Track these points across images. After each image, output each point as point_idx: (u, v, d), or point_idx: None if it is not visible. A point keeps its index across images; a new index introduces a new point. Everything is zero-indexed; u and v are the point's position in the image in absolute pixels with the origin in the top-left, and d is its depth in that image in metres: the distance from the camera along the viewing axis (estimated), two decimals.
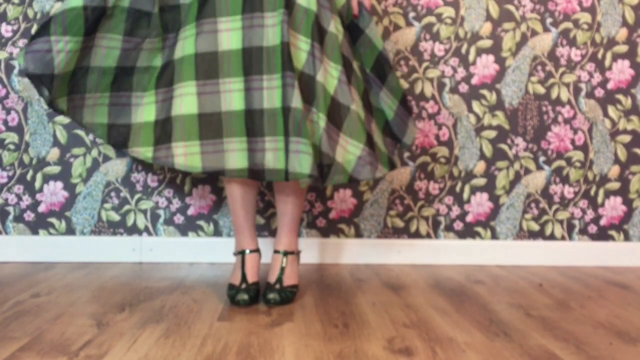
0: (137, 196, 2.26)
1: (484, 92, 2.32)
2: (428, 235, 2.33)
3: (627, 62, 2.35)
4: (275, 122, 1.59)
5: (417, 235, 2.32)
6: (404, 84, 2.30)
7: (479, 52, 2.31)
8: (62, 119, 2.23)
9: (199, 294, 1.78)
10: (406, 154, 2.30)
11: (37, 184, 2.24)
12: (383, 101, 1.79)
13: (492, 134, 2.32)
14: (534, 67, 2.33)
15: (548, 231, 2.34)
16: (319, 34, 1.64)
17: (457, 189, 2.32)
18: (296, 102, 1.56)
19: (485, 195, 2.33)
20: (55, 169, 2.24)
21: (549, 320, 1.56)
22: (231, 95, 1.62)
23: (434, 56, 2.31)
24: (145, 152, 1.63)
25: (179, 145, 1.59)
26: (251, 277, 1.71)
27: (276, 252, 1.76)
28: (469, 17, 2.31)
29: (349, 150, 1.63)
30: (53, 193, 2.24)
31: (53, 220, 2.24)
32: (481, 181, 2.33)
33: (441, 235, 2.33)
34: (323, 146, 1.59)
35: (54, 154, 2.24)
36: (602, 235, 2.36)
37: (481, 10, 2.31)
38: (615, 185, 2.36)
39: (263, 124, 1.60)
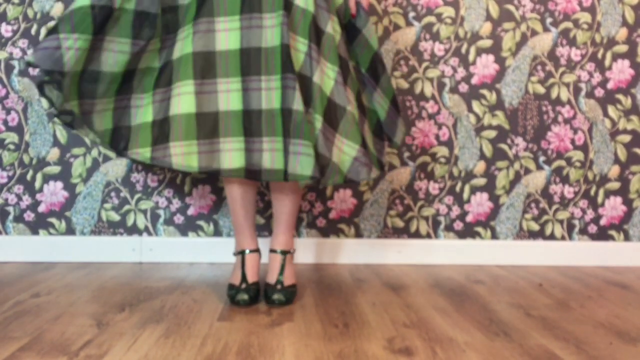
0: (137, 196, 2.26)
1: (484, 92, 2.32)
2: (428, 235, 2.33)
3: (627, 62, 2.35)
4: (273, 123, 1.59)
5: (417, 235, 2.32)
6: (404, 84, 2.30)
7: (479, 52, 2.31)
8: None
9: (199, 294, 1.78)
10: (406, 154, 2.30)
11: (37, 184, 2.24)
12: (376, 101, 1.79)
13: (492, 133, 2.32)
14: (534, 67, 2.33)
15: (548, 231, 2.35)
16: (316, 35, 1.64)
17: (457, 188, 2.32)
18: (297, 104, 1.57)
19: (485, 195, 2.33)
20: (55, 169, 2.24)
21: (549, 320, 1.56)
22: (229, 95, 1.62)
23: (434, 56, 2.31)
24: (144, 152, 1.63)
25: (177, 144, 1.59)
26: (251, 277, 1.71)
27: (273, 251, 1.75)
28: (469, 17, 2.31)
29: (344, 151, 1.63)
30: (53, 193, 2.24)
31: (53, 220, 2.24)
32: (481, 181, 2.33)
33: (441, 235, 2.33)
34: (319, 147, 1.59)
35: (54, 154, 2.24)
36: (602, 235, 2.36)
37: (481, 10, 2.31)
38: (615, 185, 2.36)
39: (261, 124, 1.60)
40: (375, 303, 1.70)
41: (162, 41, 1.68)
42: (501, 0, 2.31)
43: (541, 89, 2.33)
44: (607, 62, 2.34)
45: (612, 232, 2.36)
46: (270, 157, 1.59)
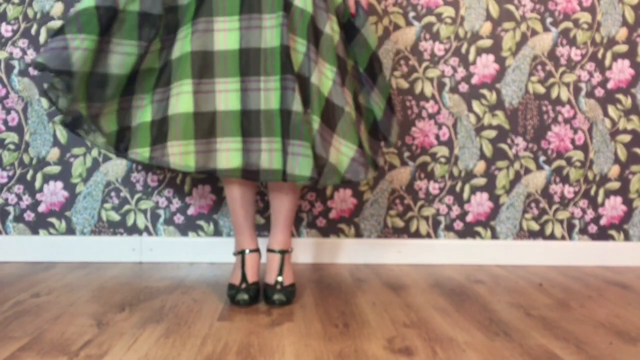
0: (137, 196, 2.26)
1: (484, 91, 2.32)
2: (428, 235, 2.33)
3: (627, 62, 2.35)
4: (272, 123, 1.60)
5: (417, 235, 2.32)
6: (404, 84, 2.30)
7: (479, 51, 2.31)
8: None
9: (199, 294, 1.78)
10: (406, 154, 2.30)
11: (37, 184, 2.24)
12: (373, 101, 1.79)
13: (492, 133, 2.32)
14: (534, 67, 2.33)
15: (548, 231, 2.34)
16: (314, 35, 1.64)
17: (457, 188, 2.32)
18: (296, 105, 1.57)
19: (485, 195, 2.33)
20: (55, 169, 2.24)
21: (549, 320, 1.56)
22: (227, 95, 1.62)
23: (434, 56, 2.31)
24: (142, 152, 1.63)
25: (174, 144, 1.59)
26: (251, 277, 1.71)
27: (271, 251, 1.75)
28: (469, 17, 2.31)
29: (342, 152, 1.63)
30: (53, 193, 2.24)
31: (53, 220, 2.24)
32: (481, 181, 2.33)
33: (441, 235, 2.33)
34: (317, 148, 1.59)
35: (54, 153, 2.24)
36: (602, 235, 2.36)
37: (481, 9, 2.31)
38: (615, 184, 2.36)
39: (259, 124, 1.60)
40: (375, 303, 1.70)
41: (162, 41, 1.68)
42: (501, 0, 2.31)
43: (541, 89, 2.33)
44: (607, 62, 2.34)
45: (612, 232, 2.36)
46: (268, 157, 1.59)
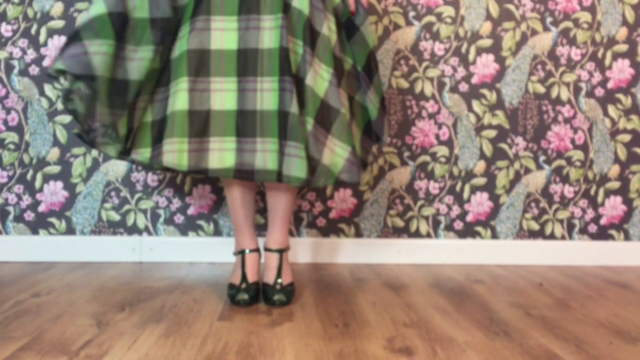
0: (137, 196, 2.26)
1: (484, 91, 2.32)
2: (428, 235, 2.33)
3: (627, 62, 2.35)
4: (268, 124, 1.60)
5: (417, 234, 2.32)
6: (404, 84, 2.30)
7: (479, 51, 2.31)
8: (62, 119, 2.23)
9: (199, 294, 1.78)
10: (406, 154, 2.30)
11: (37, 184, 2.24)
12: (369, 99, 1.79)
13: (492, 133, 2.32)
14: (534, 67, 2.33)
15: (548, 230, 2.34)
16: (310, 37, 1.64)
17: (457, 188, 2.32)
18: (294, 107, 1.57)
19: (485, 195, 2.33)
20: (55, 169, 2.24)
21: (549, 320, 1.56)
22: (222, 95, 1.62)
23: (434, 55, 2.31)
24: (144, 152, 1.64)
25: (168, 142, 1.59)
26: (251, 277, 1.71)
27: (269, 250, 1.75)
28: (469, 17, 2.31)
29: (336, 153, 1.63)
30: (53, 193, 2.24)
31: (53, 220, 2.24)
32: (481, 180, 2.33)
33: (441, 235, 2.33)
34: (309, 149, 1.60)
35: (54, 153, 2.24)
36: (602, 234, 2.36)
37: (481, 9, 2.31)
38: (615, 184, 2.36)
39: (255, 125, 1.61)
40: (375, 303, 1.70)
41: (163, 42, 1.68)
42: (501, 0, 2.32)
43: (541, 89, 2.33)
44: (607, 62, 2.34)
45: (612, 232, 2.36)
46: (263, 157, 1.59)
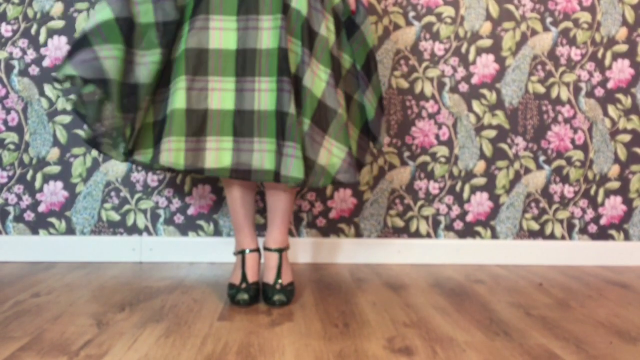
0: (137, 196, 2.26)
1: (484, 91, 2.32)
2: (428, 235, 2.33)
3: (627, 62, 2.35)
4: (266, 124, 1.60)
5: (417, 234, 2.32)
6: (404, 84, 2.30)
7: (479, 51, 2.31)
8: (62, 119, 2.23)
9: (199, 294, 1.78)
10: (406, 154, 2.30)
11: (37, 184, 2.24)
12: (367, 99, 1.79)
13: (492, 133, 2.32)
14: (533, 67, 2.33)
15: (548, 230, 2.35)
16: (309, 37, 1.64)
17: (457, 188, 2.32)
18: (292, 108, 1.57)
19: (485, 195, 2.33)
20: (55, 169, 2.24)
21: (549, 320, 1.56)
22: (220, 94, 1.62)
23: (434, 55, 2.31)
24: (146, 153, 1.64)
25: (165, 140, 1.58)
26: (251, 277, 1.72)
27: (268, 249, 1.75)
28: (468, 17, 2.31)
29: (334, 153, 1.63)
30: (53, 193, 2.24)
31: (53, 220, 2.24)
32: (481, 180, 2.33)
33: (441, 235, 2.33)
34: (306, 150, 1.60)
35: (54, 153, 2.24)
36: (602, 234, 2.36)
37: (481, 9, 2.31)
38: (615, 184, 2.36)
39: (253, 125, 1.61)
40: (375, 303, 1.70)
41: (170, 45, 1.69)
42: (501, 0, 2.32)
43: (541, 89, 2.33)
44: (607, 62, 2.34)
45: (612, 232, 2.36)
46: (260, 157, 1.59)
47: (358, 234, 2.31)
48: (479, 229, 2.33)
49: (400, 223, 2.32)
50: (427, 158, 2.31)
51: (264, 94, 1.61)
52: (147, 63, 1.62)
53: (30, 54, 2.22)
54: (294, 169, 1.57)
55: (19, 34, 2.22)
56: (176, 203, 2.27)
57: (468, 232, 2.33)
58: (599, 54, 2.34)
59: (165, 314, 1.56)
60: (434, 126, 2.31)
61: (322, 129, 1.63)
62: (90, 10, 2.23)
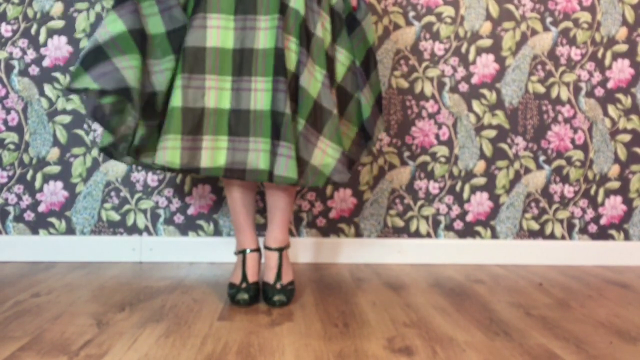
0: (137, 196, 2.26)
1: (484, 91, 2.32)
2: (428, 235, 2.33)
3: (627, 61, 2.35)
4: (261, 124, 1.60)
5: (417, 234, 2.32)
6: (404, 84, 2.30)
7: (479, 51, 2.31)
8: (62, 119, 2.23)
9: (199, 294, 1.78)
10: (406, 154, 2.30)
11: (37, 184, 2.24)
12: (364, 96, 1.79)
13: (492, 133, 2.32)
14: (534, 67, 2.33)
15: (548, 230, 2.34)
16: (306, 37, 1.65)
17: (457, 188, 2.32)
18: (287, 108, 1.58)
19: (485, 195, 2.33)
20: (55, 169, 2.24)
21: (549, 320, 1.56)
22: (217, 93, 1.62)
23: (434, 55, 2.31)
24: (151, 155, 1.66)
25: (162, 139, 1.58)
26: (252, 277, 1.72)
27: (269, 249, 1.75)
28: (468, 17, 2.31)
29: (328, 153, 1.63)
30: (53, 193, 2.24)
31: (53, 220, 2.24)
32: (481, 180, 2.33)
33: (441, 235, 2.33)
34: (299, 150, 1.60)
35: (54, 153, 2.24)
36: (602, 234, 2.36)
37: (481, 9, 2.31)
38: (615, 184, 2.36)
39: (248, 124, 1.61)
40: (375, 302, 1.70)
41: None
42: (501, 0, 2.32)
43: (541, 89, 2.33)
44: (607, 62, 2.34)
45: (612, 232, 2.36)
46: (255, 157, 1.59)
47: (358, 234, 2.31)
48: (479, 228, 2.33)
49: (400, 223, 2.32)
50: (427, 158, 2.31)
51: (260, 94, 1.61)
52: (162, 71, 1.62)
53: (30, 54, 2.22)
54: (287, 169, 1.57)
55: (19, 34, 2.22)
56: (176, 203, 2.27)
57: (468, 232, 2.33)
58: (599, 54, 2.34)
59: (165, 314, 1.56)
60: (434, 126, 2.31)
61: (317, 129, 1.63)
62: (91, 10, 2.23)
